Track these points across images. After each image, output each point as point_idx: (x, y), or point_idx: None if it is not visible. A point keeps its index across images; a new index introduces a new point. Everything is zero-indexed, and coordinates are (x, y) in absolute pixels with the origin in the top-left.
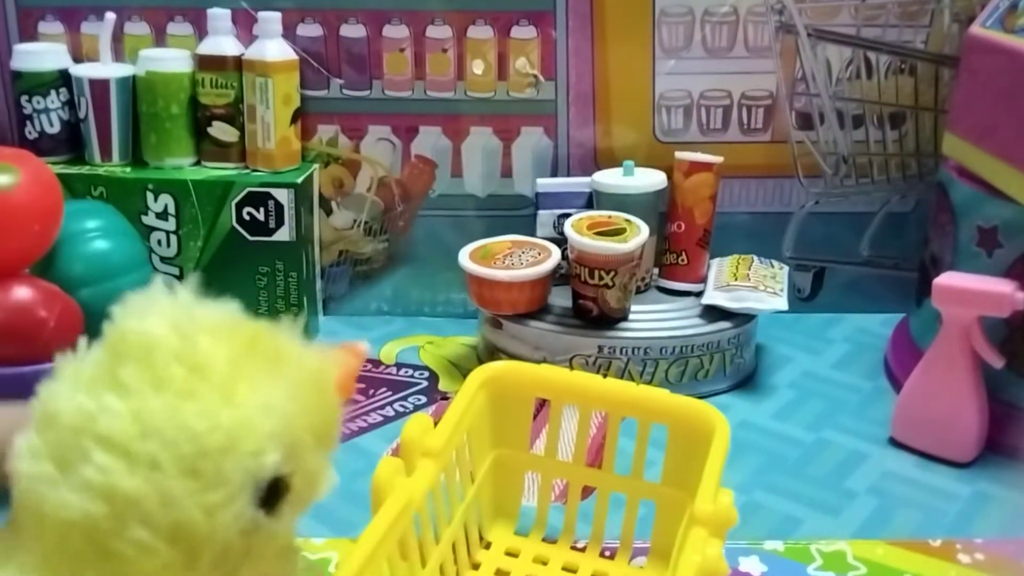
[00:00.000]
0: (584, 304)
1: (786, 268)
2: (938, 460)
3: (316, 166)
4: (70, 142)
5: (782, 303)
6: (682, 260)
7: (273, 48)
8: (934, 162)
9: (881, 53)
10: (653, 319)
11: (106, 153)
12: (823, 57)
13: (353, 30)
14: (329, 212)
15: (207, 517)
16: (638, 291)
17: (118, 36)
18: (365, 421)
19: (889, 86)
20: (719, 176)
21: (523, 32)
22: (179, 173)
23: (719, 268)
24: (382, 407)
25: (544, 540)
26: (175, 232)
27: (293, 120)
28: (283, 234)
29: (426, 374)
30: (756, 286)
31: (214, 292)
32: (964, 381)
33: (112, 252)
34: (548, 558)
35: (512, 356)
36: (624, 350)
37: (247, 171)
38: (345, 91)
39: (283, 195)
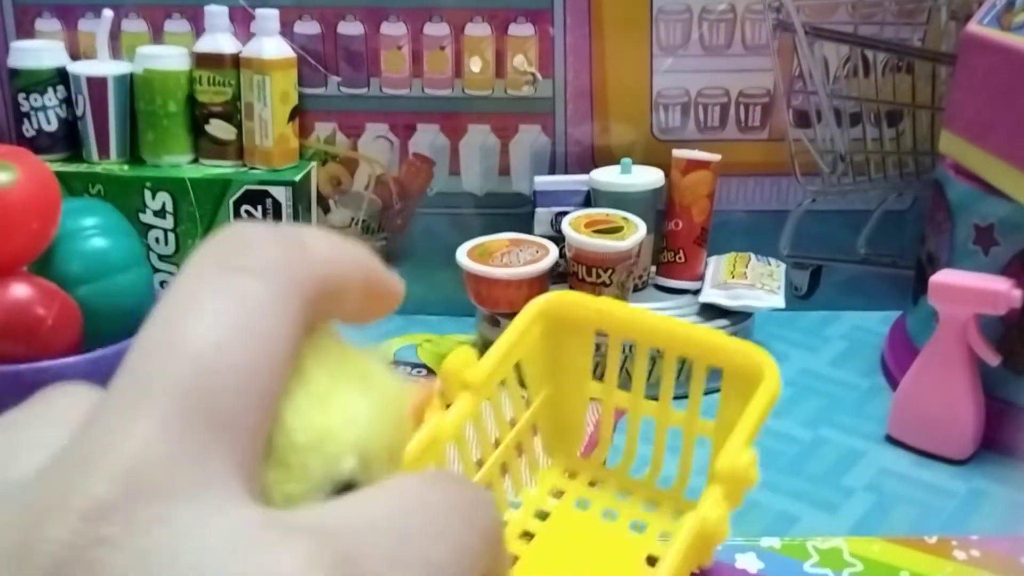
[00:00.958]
0: None
1: (783, 266)
2: (934, 457)
3: (314, 164)
4: (67, 140)
5: (779, 301)
6: (679, 258)
7: (271, 46)
8: (931, 160)
9: (878, 51)
10: None
11: (104, 151)
12: (820, 55)
13: (351, 27)
14: (327, 210)
15: (285, 503)
16: (635, 289)
17: (115, 33)
18: None
19: (886, 84)
20: (717, 174)
21: (521, 29)
22: (177, 171)
23: (716, 266)
24: None
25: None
26: (173, 230)
27: (291, 118)
28: None
29: (424, 372)
30: (753, 284)
31: None
32: (960, 378)
33: (110, 250)
34: (603, 480)
35: None
36: (621, 348)
37: (245, 169)
38: (343, 89)
39: (281, 193)
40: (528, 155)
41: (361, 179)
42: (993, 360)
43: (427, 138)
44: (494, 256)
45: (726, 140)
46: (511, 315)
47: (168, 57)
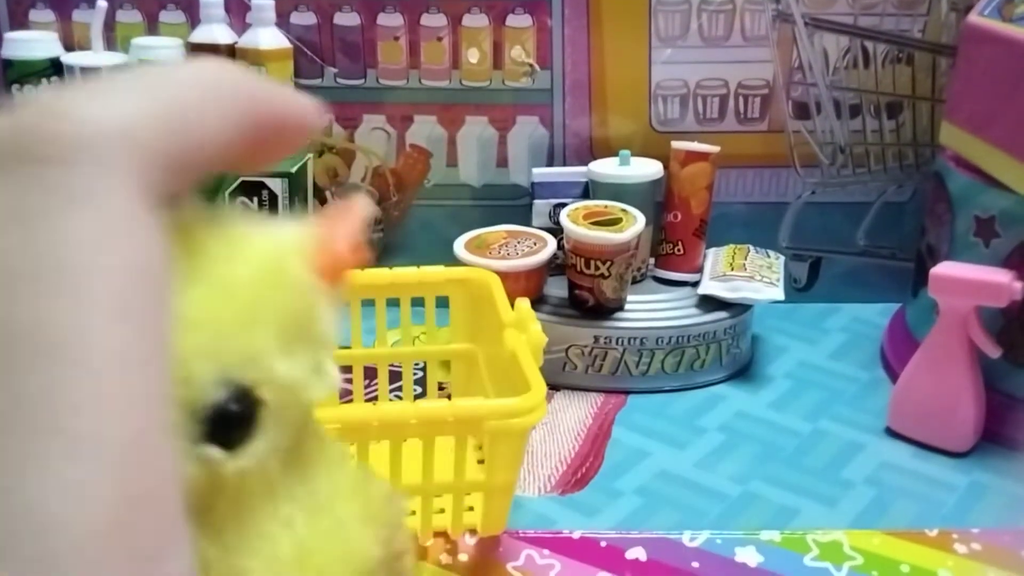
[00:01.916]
0: (580, 294)
1: (782, 258)
2: (935, 450)
3: (310, 156)
4: None
5: (778, 293)
6: (678, 250)
7: (266, 36)
8: (931, 152)
9: (878, 42)
10: (649, 309)
11: None
12: (820, 46)
13: (347, 18)
14: (323, 202)
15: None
16: (634, 281)
17: (110, 24)
18: None
19: (886, 75)
20: (715, 166)
21: (518, 20)
22: None
23: (715, 258)
24: (373, 398)
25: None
26: None
27: None
28: None
29: (421, 364)
30: (752, 276)
31: None
32: (961, 371)
33: None
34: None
35: None
36: (620, 340)
37: None
38: (339, 80)
39: (277, 185)
40: (526, 147)
41: (358, 171)
42: (994, 352)
43: (424, 129)
44: (492, 248)
45: (725, 132)
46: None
47: (163, 48)
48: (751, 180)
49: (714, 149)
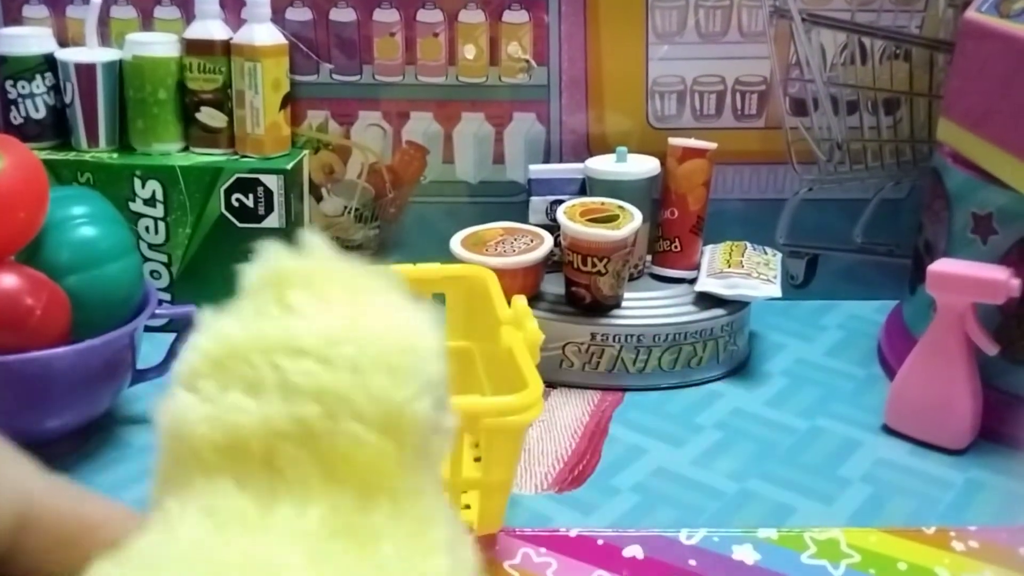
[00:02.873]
0: (577, 291)
1: (779, 255)
2: (932, 447)
3: (306, 152)
4: (56, 127)
5: (775, 290)
6: (675, 247)
7: (262, 32)
8: (928, 148)
9: (876, 38)
10: (646, 306)
11: (93, 139)
12: (817, 42)
13: (343, 14)
14: (319, 199)
15: (407, 406)
16: (631, 278)
17: (104, 20)
18: None
19: (883, 72)
20: (712, 162)
21: (515, 16)
22: (167, 159)
23: (712, 255)
24: None
25: None
26: (163, 219)
27: (282, 105)
28: (273, 221)
29: None
30: (749, 273)
31: (203, 279)
32: (958, 368)
33: (99, 239)
34: None
35: None
36: (617, 337)
37: (236, 157)
38: (335, 76)
39: (272, 181)
40: (523, 143)
41: (354, 167)
42: (991, 350)
43: (420, 126)
44: (488, 245)
45: (722, 128)
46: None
47: (158, 44)
48: (748, 177)
49: (711, 146)
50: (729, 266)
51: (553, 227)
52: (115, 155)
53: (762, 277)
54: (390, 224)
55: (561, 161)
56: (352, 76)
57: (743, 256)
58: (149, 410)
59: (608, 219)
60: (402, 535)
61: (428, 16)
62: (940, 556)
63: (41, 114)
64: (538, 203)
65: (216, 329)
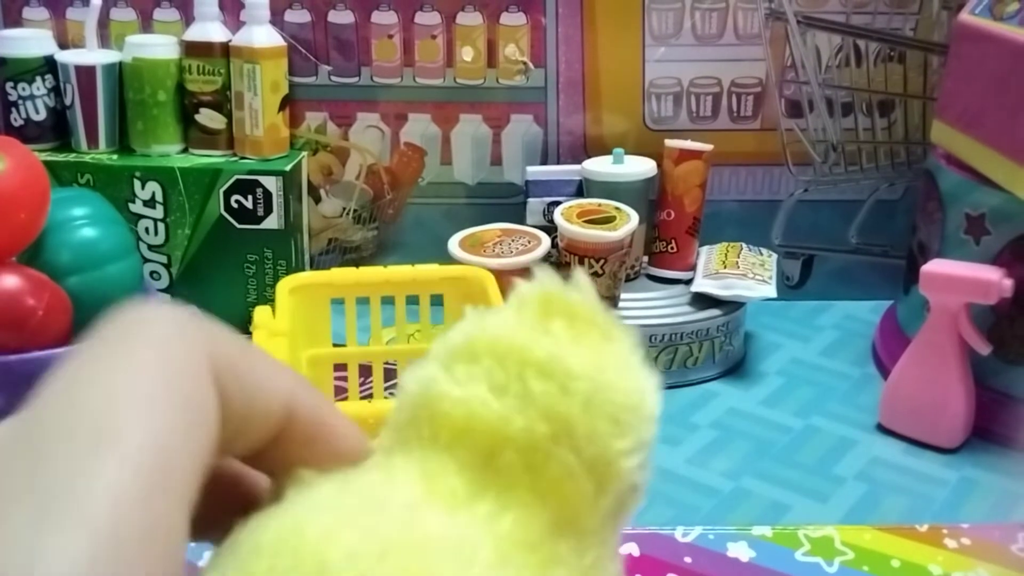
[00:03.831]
0: None
1: (775, 256)
2: (925, 446)
3: (304, 154)
4: (56, 129)
5: (771, 291)
6: (671, 248)
7: (261, 34)
8: (923, 150)
9: (870, 40)
10: (642, 307)
11: (93, 140)
12: (812, 44)
13: (341, 16)
14: (318, 200)
15: (618, 458)
16: (627, 279)
17: (104, 22)
18: None
19: (878, 73)
20: (709, 164)
21: (512, 19)
22: (166, 160)
23: (708, 256)
24: (368, 396)
25: None
26: (163, 220)
27: (281, 107)
28: (272, 222)
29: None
30: (745, 274)
31: (202, 280)
32: (951, 368)
33: (99, 240)
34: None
35: None
36: None
37: (235, 158)
38: (333, 78)
39: (271, 183)
40: (520, 145)
41: (352, 169)
42: (984, 349)
43: (419, 128)
44: (486, 246)
45: (718, 130)
46: None
47: (157, 46)
48: (744, 178)
49: (707, 147)
50: (725, 267)
51: (550, 228)
52: (115, 156)
53: (758, 278)
54: (388, 225)
55: (558, 163)
56: (350, 78)
57: (739, 257)
58: None
59: (605, 220)
60: (576, 570)
61: (426, 18)
62: (933, 553)
63: (41, 116)
64: (535, 204)
65: (484, 324)
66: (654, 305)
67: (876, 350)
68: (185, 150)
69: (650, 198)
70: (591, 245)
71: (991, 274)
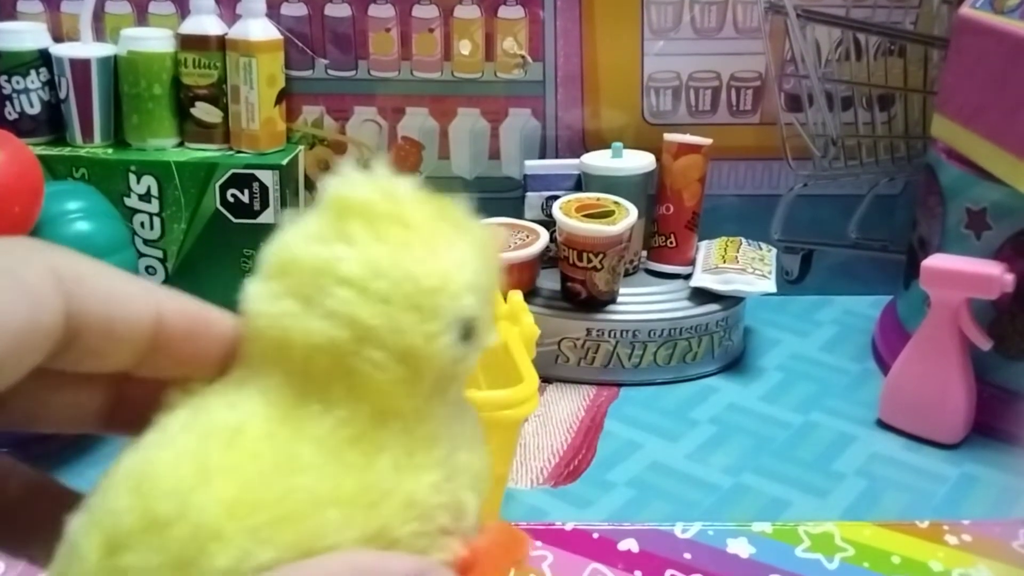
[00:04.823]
0: (572, 287)
1: (774, 250)
2: (926, 442)
3: (301, 148)
4: (51, 123)
5: (770, 285)
6: (670, 243)
7: (257, 27)
8: (923, 144)
9: (870, 34)
10: (641, 302)
11: (88, 134)
12: (812, 38)
13: (338, 9)
14: (315, 194)
15: (427, 343)
16: (626, 274)
17: (99, 15)
18: None
19: (878, 67)
20: (708, 158)
21: (510, 12)
22: (162, 155)
23: (707, 251)
24: None
25: None
26: (158, 214)
27: (278, 101)
28: (268, 216)
29: None
30: (744, 268)
31: (198, 274)
32: (952, 363)
33: (94, 234)
34: None
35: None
36: (612, 333)
37: (231, 152)
38: (330, 71)
39: (268, 177)
40: (518, 139)
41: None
42: (985, 344)
43: (416, 121)
44: None
45: (717, 124)
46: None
47: (153, 39)
48: (743, 172)
49: (706, 141)
50: (724, 262)
51: (549, 223)
52: (110, 150)
53: (757, 273)
54: None
55: (557, 157)
56: (347, 71)
57: (738, 252)
58: None
59: (604, 215)
60: (401, 452)
61: (423, 11)
62: (934, 549)
63: (36, 109)
64: (534, 199)
65: (284, 240)
66: (653, 300)
67: (876, 345)
68: (181, 144)
69: (649, 192)
70: (590, 239)
71: (992, 269)
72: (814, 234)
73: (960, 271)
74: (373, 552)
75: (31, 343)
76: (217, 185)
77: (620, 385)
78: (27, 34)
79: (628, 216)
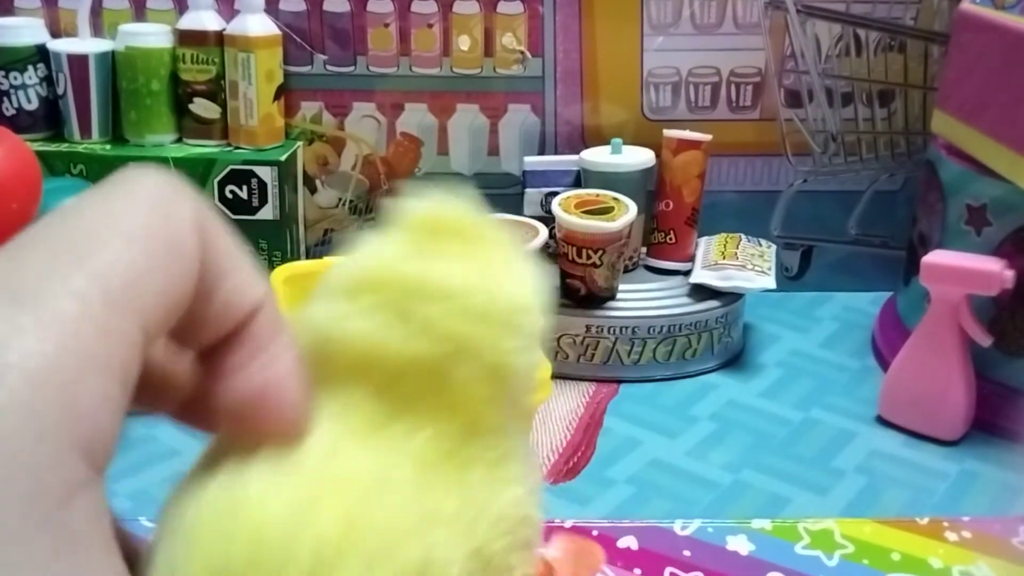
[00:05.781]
0: (572, 283)
1: (774, 247)
2: (926, 439)
3: (300, 144)
4: (48, 119)
5: (770, 282)
6: (670, 239)
7: (255, 23)
8: (923, 140)
9: (870, 30)
10: (641, 298)
11: (86, 130)
12: (812, 34)
13: (336, 4)
14: (313, 190)
15: (516, 358)
16: (626, 270)
17: (97, 11)
18: None
19: (878, 63)
20: (707, 154)
21: (509, 7)
22: (160, 151)
23: (707, 247)
24: None
25: None
26: None
27: (276, 97)
28: (267, 212)
29: None
30: (744, 265)
31: None
32: (952, 360)
33: None
34: None
35: None
36: (612, 329)
37: (229, 148)
38: (329, 67)
39: (266, 173)
40: (517, 135)
41: (348, 159)
42: (985, 341)
43: (415, 117)
44: None
45: (717, 120)
46: None
47: (151, 35)
48: (743, 168)
49: (706, 137)
50: (724, 258)
51: (548, 219)
52: (108, 147)
53: (757, 269)
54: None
55: (556, 153)
56: (346, 67)
57: (738, 248)
58: None
59: (603, 211)
60: (487, 467)
61: (422, 7)
62: (934, 546)
63: (33, 105)
64: (533, 195)
65: (365, 257)
66: (652, 296)
67: (876, 342)
68: (179, 140)
69: (648, 188)
70: (589, 236)
71: (992, 265)
72: (814, 230)
73: (960, 267)
74: None
75: (184, 296)
76: (215, 181)
77: (619, 382)
78: (24, 29)
79: (627, 212)
